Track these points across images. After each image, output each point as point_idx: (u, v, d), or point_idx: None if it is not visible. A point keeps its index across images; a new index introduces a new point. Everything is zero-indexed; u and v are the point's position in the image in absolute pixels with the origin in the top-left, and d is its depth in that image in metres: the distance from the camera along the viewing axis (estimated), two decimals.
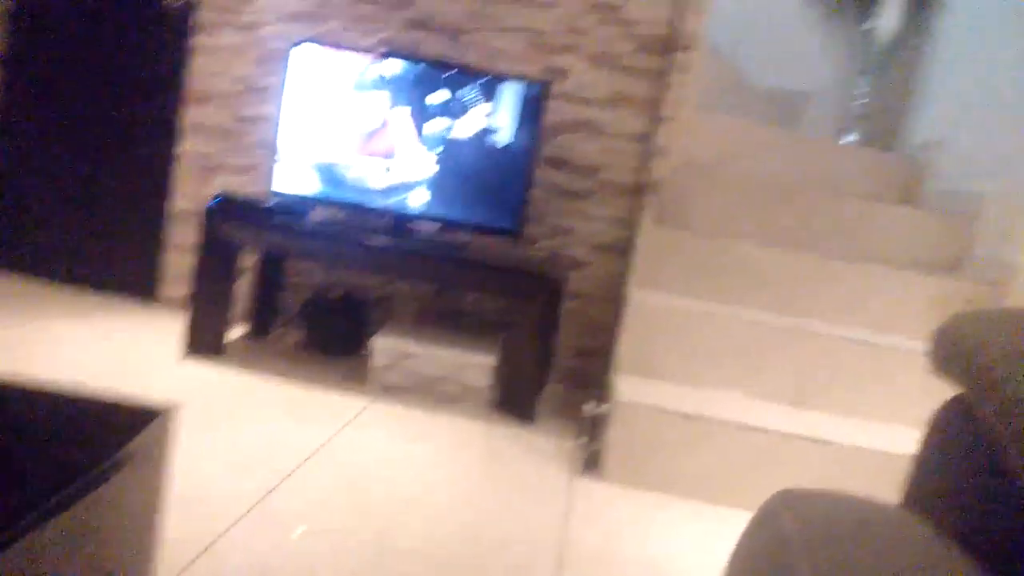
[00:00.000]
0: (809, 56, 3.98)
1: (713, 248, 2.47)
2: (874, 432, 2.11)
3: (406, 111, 2.47)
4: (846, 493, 0.75)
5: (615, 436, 2.02)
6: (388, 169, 2.50)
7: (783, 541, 0.64)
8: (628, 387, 2.11)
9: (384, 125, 2.49)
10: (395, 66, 2.46)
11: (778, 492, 0.74)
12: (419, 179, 2.49)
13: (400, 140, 2.48)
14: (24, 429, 0.97)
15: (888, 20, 3.40)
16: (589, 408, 2.13)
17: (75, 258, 3.03)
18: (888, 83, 3.60)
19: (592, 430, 2.14)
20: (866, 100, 3.59)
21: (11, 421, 0.98)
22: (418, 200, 2.49)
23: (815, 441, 1.98)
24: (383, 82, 2.47)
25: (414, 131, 2.47)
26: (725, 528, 1.87)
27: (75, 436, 0.94)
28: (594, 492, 1.94)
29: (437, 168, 2.47)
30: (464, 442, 2.11)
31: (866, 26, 3.55)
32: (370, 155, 2.50)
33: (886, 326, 2.45)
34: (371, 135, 2.50)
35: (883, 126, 3.62)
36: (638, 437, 2.01)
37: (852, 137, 3.56)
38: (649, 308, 2.25)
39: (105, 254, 3.01)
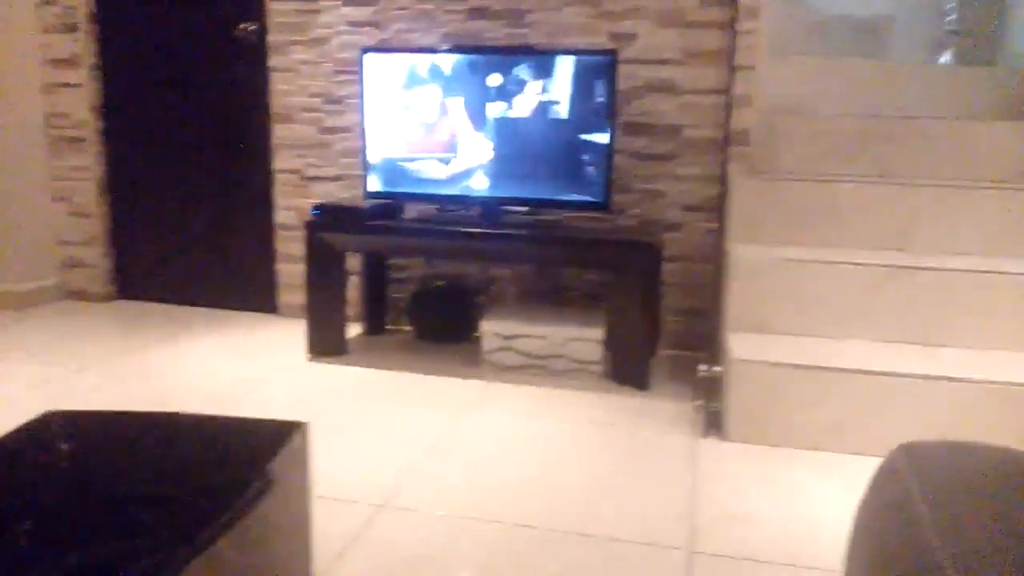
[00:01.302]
0: None
1: (811, 193, 2.41)
2: (1007, 364, 2.03)
3: (478, 100, 2.51)
4: (968, 443, 0.75)
5: (734, 395, 2.02)
6: (469, 159, 2.55)
7: (905, 496, 0.66)
8: (741, 345, 2.11)
9: (459, 117, 2.54)
10: (462, 58, 2.51)
11: (898, 446, 0.75)
12: (501, 165, 2.53)
13: (476, 129, 2.53)
14: (181, 453, 1.08)
15: None
16: (703, 369, 2.14)
17: (194, 280, 3.25)
18: None
19: (709, 391, 2.15)
20: (957, 16, 3.37)
21: (169, 447, 1.10)
22: (504, 185, 2.54)
23: (945, 379, 1.92)
24: (453, 75, 2.52)
25: (489, 119, 2.52)
26: (857, 478, 1.85)
27: (228, 457, 1.05)
28: (719, 453, 1.96)
29: (518, 152, 2.51)
30: (582, 415, 2.17)
31: None
32: (450, 148, 2.56)
33: (1003, 250, 2.33)
34: (448, 128, 2.56)
35: (979, 41, 3.39)
36: (757, 394, 2.01)
37: (946, 57, 3.36)
38: (752, 262, 2.23)
39: (222, 272, 3.21)
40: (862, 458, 1.96)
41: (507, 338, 2.52)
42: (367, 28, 2.89)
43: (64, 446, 1.05)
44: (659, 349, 2.81)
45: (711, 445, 2.00)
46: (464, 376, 2.47)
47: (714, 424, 2.10)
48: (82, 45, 3.15)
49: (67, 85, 3.20)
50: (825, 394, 1.98)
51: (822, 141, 2.64)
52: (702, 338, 2.79)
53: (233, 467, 1.02)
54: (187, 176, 3.19)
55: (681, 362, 2.69)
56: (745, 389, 2.01)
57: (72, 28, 3.14)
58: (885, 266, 2.17)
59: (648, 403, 2.28)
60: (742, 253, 2.26)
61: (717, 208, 2.70)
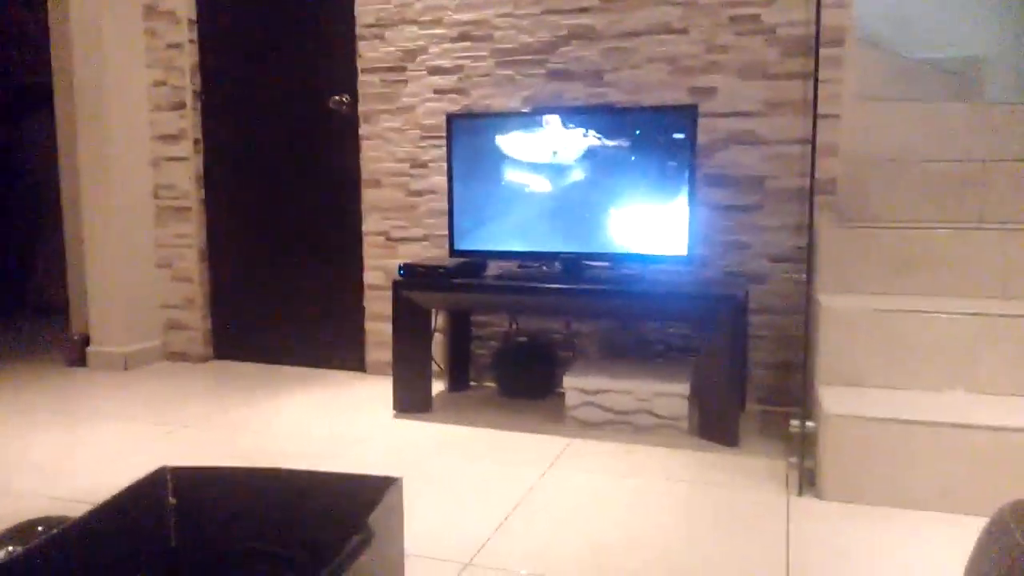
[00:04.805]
0: (977, 19, 3.67)
1: (903, 240, 2.33)
2: None
3: (560, 159, 2.56)
4: None
5: (828, 452, 1.95)
6: (551, 215, 2.59)
7: (1017, 555, 0.62)
8: (834, 399, 2.03)
9: (541, 175, 2.59)
10: (544, 119, 2.57)
11: (1007, 504, 0.71)
12: (583, 220, 2.55)
13: (557, 186, 2.57)
14: (285, 508, 1.12)
15: None
16: (796, 425, 2.07)
17: (287, 340, 3.37)
18: None
19: (802, 447, 2.08)
20: None
21: (274, 502, 1.14)
22: (586, 240, 2.56)
23: None
24: (534, 136, 2.58)
25: (570, 176, 2.56)
26: (960, 539, 1.74)
27: (325, 511, 1.08)
28: (814, 512, 1.88)
29: (600, 207, 2.53)
30: (670, 472, 2.12)
31: None
32: (532, 205, 2.61)
33: None
34: (530, 186, 2.61)
35: None
36: (854, 451, 1.93)
37: None
38: (842, 312, 2.16)
39: (314, 333, 3.33)
40: (967, 517, 1.84)
41: (591, 393, 2.51)
42: (451, 95, 3.00)
43: (177, 500, 1.11)
44: (748, 403, 2.73)
45: (806, 504, 1.92)
46: (548, 432, 2.46)
47: (809, 482, 2.02)
48: (187, 121, 3.38)
49: (173, 159, 3.43)
50: (926, 450, 1.88)
51: (913, 187, 2.57)
52: (792, 392, 2.70)
53: (335, 522, 1.05)
54: (281, 241, 3.35)
55: (771, 417, 2.60)
56: (840, 445, 1.93)
57: (180, 106, 3.38)
58: (984, 315, 2.07)
59: (738, 460, 2.21)
60: (832, 303, 2.20)
61: (804, 259, 2.64)
